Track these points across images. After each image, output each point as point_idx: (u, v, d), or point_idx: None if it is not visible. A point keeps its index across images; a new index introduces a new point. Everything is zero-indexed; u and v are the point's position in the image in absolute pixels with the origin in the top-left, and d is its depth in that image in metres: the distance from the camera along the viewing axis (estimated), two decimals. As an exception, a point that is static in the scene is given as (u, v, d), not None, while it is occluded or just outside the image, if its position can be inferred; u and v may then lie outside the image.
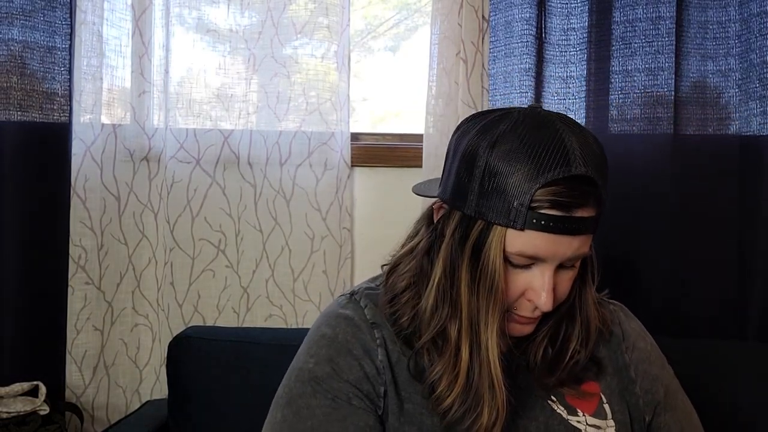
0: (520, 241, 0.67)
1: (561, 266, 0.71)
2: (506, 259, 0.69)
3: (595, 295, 0.80)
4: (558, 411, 0.76)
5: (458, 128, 0.76)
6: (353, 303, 0.79)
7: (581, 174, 0.66)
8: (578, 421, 0.76)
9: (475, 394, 0.69)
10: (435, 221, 0.76)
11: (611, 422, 0.77)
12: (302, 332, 0.82)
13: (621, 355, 0.82)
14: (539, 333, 0.77)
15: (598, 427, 0.76)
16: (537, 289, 0.69)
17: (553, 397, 0.77)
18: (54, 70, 1.23)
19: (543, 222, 0.66)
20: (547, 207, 0.66)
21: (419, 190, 0.85)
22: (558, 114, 0.72)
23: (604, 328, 0.81)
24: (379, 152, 1.39)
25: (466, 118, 0.76)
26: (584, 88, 1.29)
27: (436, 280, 0.73)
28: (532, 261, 0.69)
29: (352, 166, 1.37)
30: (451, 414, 0.70)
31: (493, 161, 0.67)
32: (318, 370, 0.74)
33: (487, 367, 0.69)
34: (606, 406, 0.78)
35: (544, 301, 0.69)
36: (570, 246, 0.68)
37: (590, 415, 0.76)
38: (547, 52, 1.29)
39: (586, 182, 0.67)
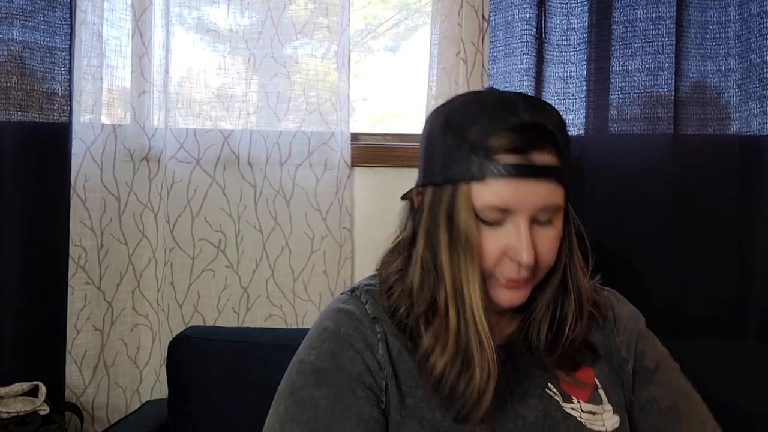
0: (485, 193, 0.70)
1: (537, 222, 0.72)
2: (478, 218, 0.71)
3: (589, 283, 0.81)
4: (555, 398, 0.77)
5: (425, 123, 0.81)
6: (354, 299, 0.81)
7: (532, 121, 0.70)
8: (573, 408, 0.77)
9: (465, 353, 0.70)
10: (416, 207, 0.79)
11: (608, 406, 0.78)
12: (302, 332, 0.82)
13: (613, 338, 0.83)
14: (538, 309, 0.78)
15: (594, 413, 0.77)
16: (515, 244, 0.71)
17: (550, 384, 0.78)
18: (54, 70, 1.23)
19: (502, 169, 0.69)
20: (503, 153, 0.69)
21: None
22: (512, 91, 0.77)
23: (597, 314, 0.83)
24: (379, 152, 1.39)
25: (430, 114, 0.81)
26: (584, 88, 1.29)
27: (420, 253, 0.75)
28: (502, 214, 0.71)
29: (352, 166, 1.37)
30: (445, 379, 0.71)
31: (451, 129, 0.73)
32: (320, 362, 0.74)
33: (473, 325, 0.70)
34: (601, 392, 0.79)
35: (524, 254, 0.70)
36: (536, 193, 0.70)
37: (585, 402, 0.77)
38: (547, 52, 1.29)
39: (538, 129, 0.70)
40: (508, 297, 0.74)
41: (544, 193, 0.71)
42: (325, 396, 0.72)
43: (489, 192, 0.70)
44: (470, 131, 0.71)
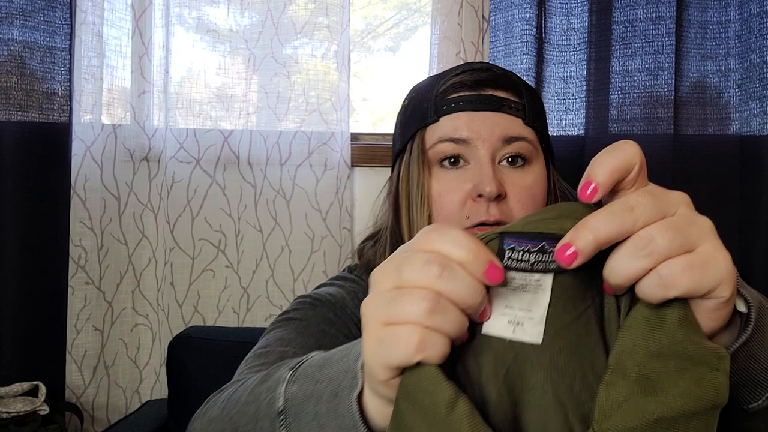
0: (439, 129, 0.68)
1: (507, 162, 0.67)
2: (436, 163, 0.68)
3: None
4: None
5: None
6: (355, 275, 0.81)
7: (482, 67, 0.69)
8: None
9: None
10: (389, 191, 0.79)
11: None
12: (302, 332, 0.82)
13: None
14: None
15: None
16: (477, 180, 0.65)
17: None
18: (54, 70, 1.23)
19: (453, 105, 0.67)
20: (455, 90, 0.68)
21: None
22: None
23: None
24: (379, 152, 1.39)
25: None
26: (584, 88, 1.29)
27: (389, 224, 0.74)
28: (459, 148, 0.67)
29: (352, 166, 1.37)
30: None
31: (405, 103, 0.76)
32: (321, 296, 0.73)
33: None
34: None
35: (486, 184, 0.64)
36: (494, 125, 0.66)
37: None
38: (547, 52, 1.29)
39: (491, 70, 0.69)
40: None
41: (503, 122, 0.66)
42: (319, 316, 0.69)
43: (443, 127, 0.67)
44: (421, 92, 0.71)
